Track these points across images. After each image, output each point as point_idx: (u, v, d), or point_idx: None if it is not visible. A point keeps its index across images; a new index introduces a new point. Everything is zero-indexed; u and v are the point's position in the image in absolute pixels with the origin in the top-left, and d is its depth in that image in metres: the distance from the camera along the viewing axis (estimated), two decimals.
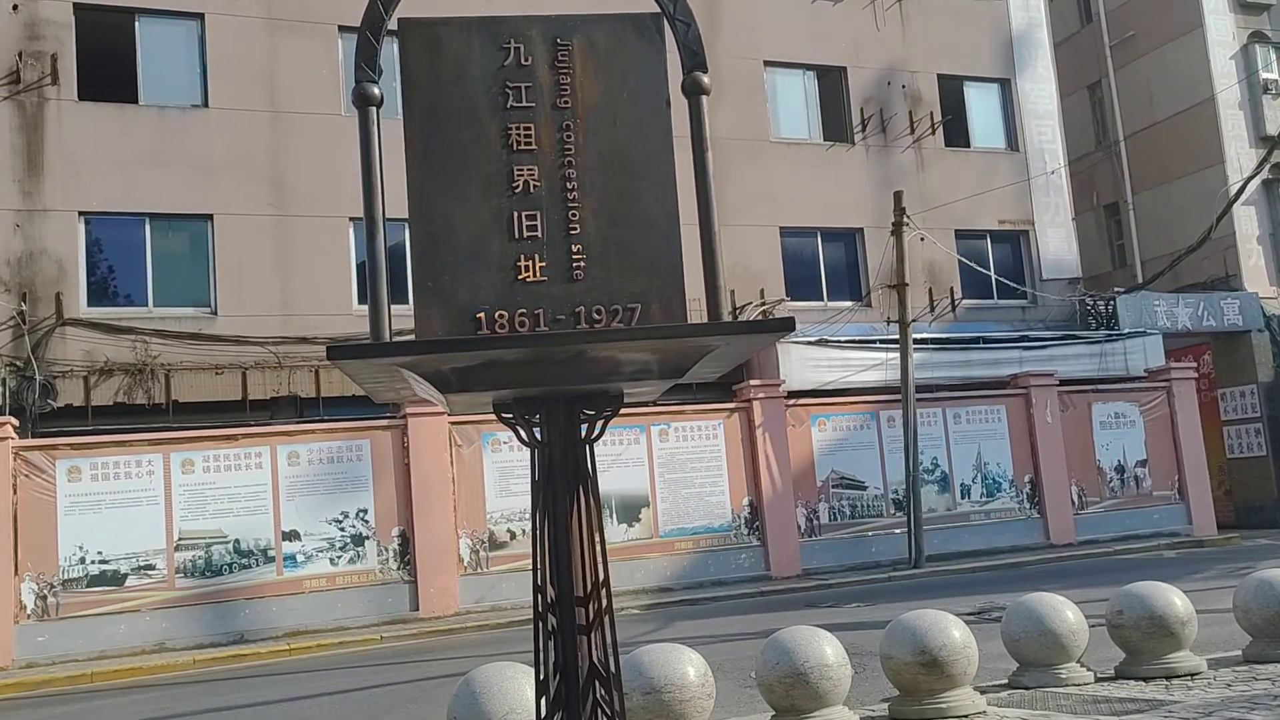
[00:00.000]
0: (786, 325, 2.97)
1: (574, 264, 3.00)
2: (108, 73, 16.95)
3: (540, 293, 2.98)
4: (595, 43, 3.08)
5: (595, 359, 2.86)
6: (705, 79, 3.05)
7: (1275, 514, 22.93)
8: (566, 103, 3.05)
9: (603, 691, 2.98)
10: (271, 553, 14.83)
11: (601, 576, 3.01)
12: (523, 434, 3.06)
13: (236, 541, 14.70)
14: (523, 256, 2.99)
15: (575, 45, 3.07)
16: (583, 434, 3.09)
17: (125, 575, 14.14)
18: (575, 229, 3.01)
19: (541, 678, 2.97)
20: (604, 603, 3.00)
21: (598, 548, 3.04)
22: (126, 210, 16.82)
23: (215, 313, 16.93)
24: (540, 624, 2.98)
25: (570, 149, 3.04)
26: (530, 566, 3.12)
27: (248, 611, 14.54)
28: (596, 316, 2.98)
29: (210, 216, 17.14)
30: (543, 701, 2.97)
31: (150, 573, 14.24)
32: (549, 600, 2.97)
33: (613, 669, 3.01)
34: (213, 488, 14.72)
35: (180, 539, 14.45)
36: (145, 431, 14.91)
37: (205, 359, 16.55)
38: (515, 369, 2.86)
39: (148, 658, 13.34)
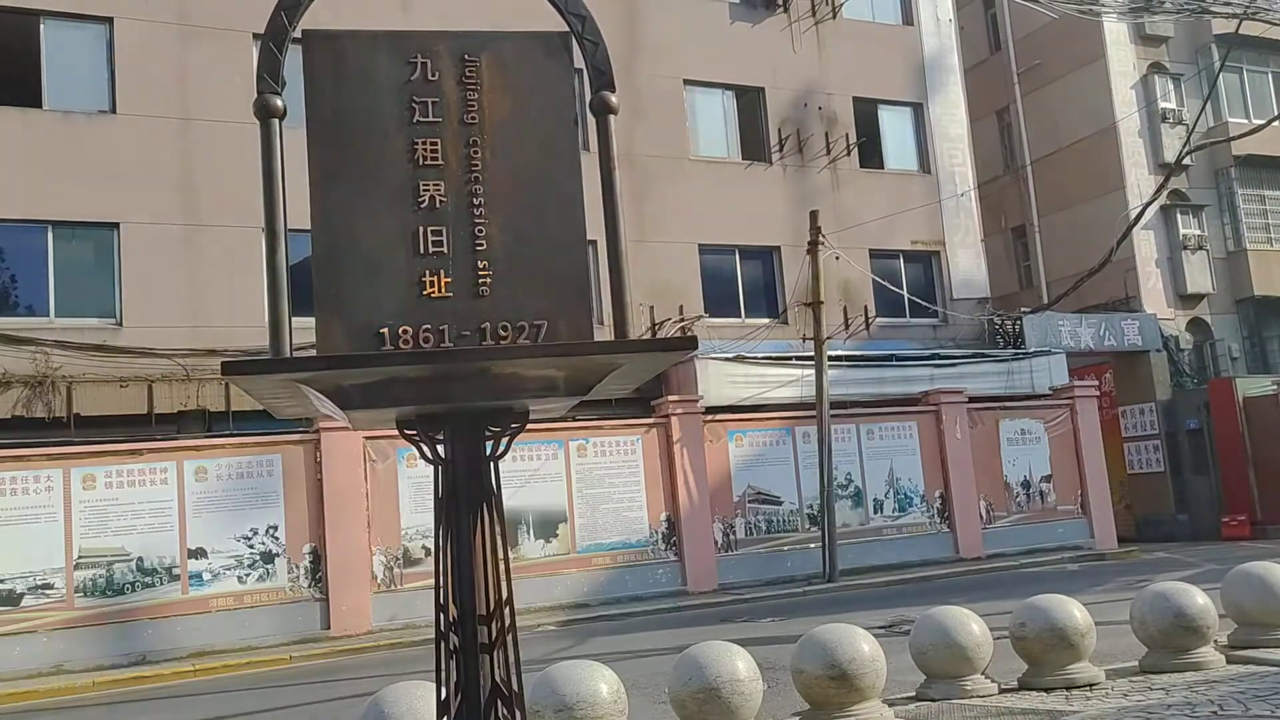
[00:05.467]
0: (689, 344, 3.00)
1: (480, 280, 2.99)
2: (10, 76, 16.39)
3: (445, 309, 2.96)
4: (504, 60, 3.08)
5: (500, 376, 2.85)
6: (613, 99, 3.07)
7: (1173, 528, 23.77)
8: (474, 119, 3.04)
9: (504, 711, 2.96)
10: (176, 571, 14.42)
11: (505, 595, 3.00)
12: (426, 451, 3.03)
13: (140, 559, 14.26)
14: (428, 272, 2.97)
15: (484, 62, 3.06)
16: (488, 451, 3.07)
17: (21, 595, 13.61)
18: (481, 245, 3.00)
19: (443, 698, 2.94)
20: (507, 621, 2.98)
21: (501, 566, 3.02)
22: (28, 217, 16.26)
23: (120, 324, 16.43)
24: (442, 643, 2.95)
25: (477, 165, 3.02)
26: None
27: (151, 631, 14.10)
28: (502, 333, 2.97)
29: (116, 225, 16.66)
30: None
31: (48, 592, 13.74)
32: (451, 619, 2.94)
33: (515, 688, 2.99)
34: (115, 504, 14.26)
35: (80, 557, 13.96)
36: (44, 446, 14.40)
37: (109, 371, 16.05)
38: (418, 385, 2.83)
39: (45, 680, 12.84)
